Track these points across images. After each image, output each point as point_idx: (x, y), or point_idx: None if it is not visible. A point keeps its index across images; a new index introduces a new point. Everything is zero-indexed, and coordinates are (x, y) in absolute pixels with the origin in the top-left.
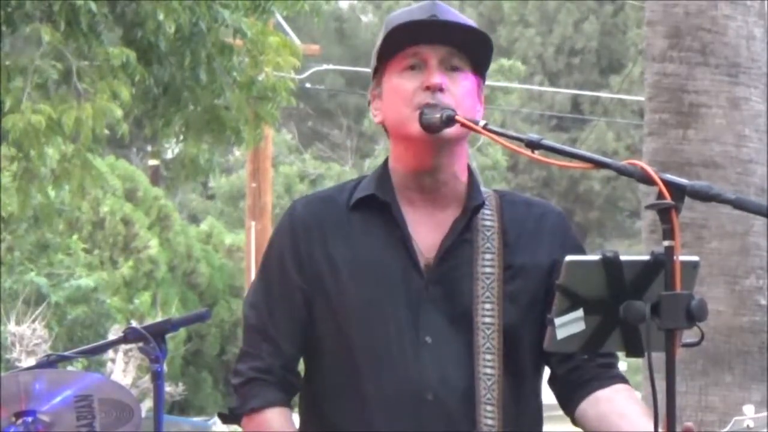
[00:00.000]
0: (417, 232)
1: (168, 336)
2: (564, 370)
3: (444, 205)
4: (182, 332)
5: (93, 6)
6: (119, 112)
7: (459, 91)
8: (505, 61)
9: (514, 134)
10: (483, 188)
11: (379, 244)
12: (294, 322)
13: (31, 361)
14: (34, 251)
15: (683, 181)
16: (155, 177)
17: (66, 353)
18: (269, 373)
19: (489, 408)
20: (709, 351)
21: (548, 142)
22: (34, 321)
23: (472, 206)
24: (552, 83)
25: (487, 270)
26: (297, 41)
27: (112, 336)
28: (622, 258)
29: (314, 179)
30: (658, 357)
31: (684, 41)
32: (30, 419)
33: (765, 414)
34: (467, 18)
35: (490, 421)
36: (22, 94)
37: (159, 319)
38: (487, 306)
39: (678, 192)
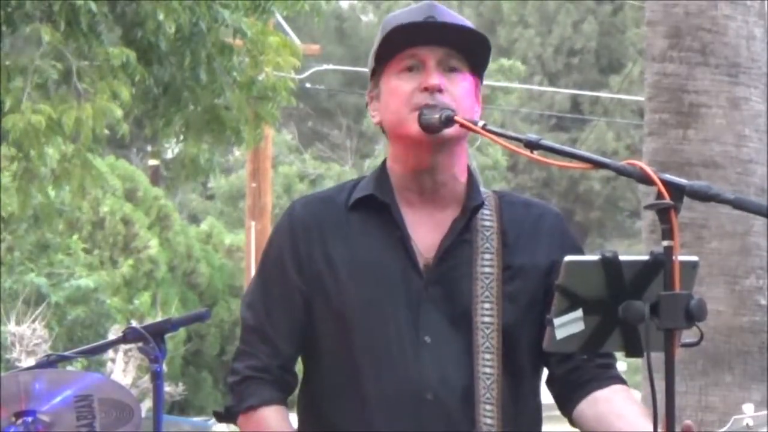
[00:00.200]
0: (416, 232)
1: (168, 336)
2: (562, 371)
3: (443, 205)
4: (182, 332)
5: (93, 6)
6: (119, 112)
7: (457, 92)
8: (505, 61)
9: (513, 134)
10: (482, 189)
11: (378, 244)
12: (292, 322)
13: (31, 361)
14: (34, 251)
15: (682, 181)
16: (155, 177)
17: (66, 353)
18: (266, 372)
19: (488, 407)
20: (709, 351)
21: (547, 142)
22: (34, 321)
23: (471, 206)
24: (551, 83)
25: (487, 270)
26: (297, 41)
27: (112, 336)
28: (622, 258)
29: (314, 179)
30: (658, 357)
31: (684, 41)
32: (30, 419)
33: (764, 413)
34: (465, 19)
35: (489, 421)
36: (22, 94)
37: (159, 319)
38: (487, 306)
39: (677, 192)
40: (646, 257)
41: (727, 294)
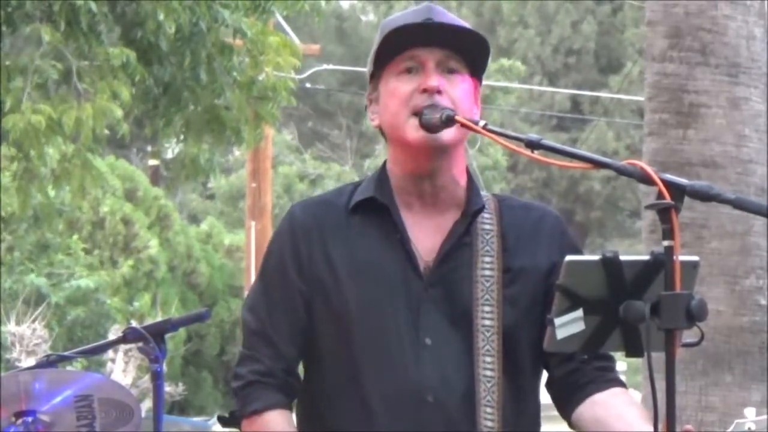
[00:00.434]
0: (416, 235)
1: (168, 336)
2: (561, 373)
3: (443, 208)
4: (182, 332)
5: (93, 6)
6: (119, 112)
7: (456, 94)
8: (504, 61)
9: (514, 134)
10: (482, 192)
11: (378, 246)
12: (294, 325)
13: (31, 361)
14: (34, 251)
15: (683, 181)
16: (155, 177)
17: (66, 353)
18: (270, 376)
19: (489, 410)
20: (709, 351)
21: (548, 142)
22: (34, 321)
23: (472, 210)
24: (551, 83)
25: (487, 273)
26: (297, 41)
27: (112, 336)
28: (622, 258)
29: (314, 179)
30: (658, 357)
31: (684, 41)
32: (30, 419)
33: (766, 417)
34: (463, 20)
35: (490, 423)
36: (22, 94)
37: (159, 319)
38: (487, 308)
39: (678, 192)
40: (646, 257)
41: (727, 294)
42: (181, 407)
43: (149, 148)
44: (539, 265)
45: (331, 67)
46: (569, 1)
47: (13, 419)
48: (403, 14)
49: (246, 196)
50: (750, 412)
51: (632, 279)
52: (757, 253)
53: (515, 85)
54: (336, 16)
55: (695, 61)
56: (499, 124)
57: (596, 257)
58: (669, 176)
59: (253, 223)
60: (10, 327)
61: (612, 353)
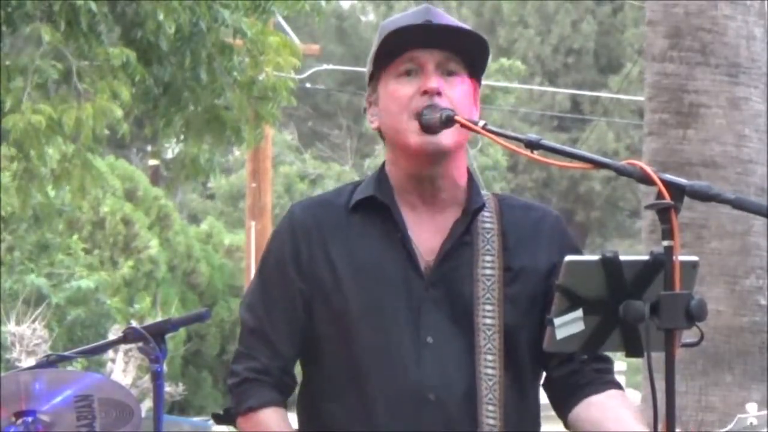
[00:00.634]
0: (416, 234)
1: (168, 336)
2: (559, 375)
3: (443, 208)
4: (182, 332)
5: (93, 6)
6: (119, 112)
7: (456, 95)
8: (504, 61)
9: (514, 134)
10: (482, 191)
11: (378, 245)
12: (292, 324)
13: (31, 361)
14: (34, 251)
15: (682, 181)
16: (155, 177)
17: (66, 353)
18: (265, 373)
19: (491, 408)
20: (709, 351)
21: (547, 142)
22: (34, 321)
23: (472, 209)
24: (551, 83)
25: (488, 272)
26: (297, 41)
27: (112, 336)
28: (622, 258)
29: (314, 179)
30: (658, 357)
31: (684, 41)
32: (30, 419)
33: (767, 412)
34: (463, 20)
35: (491, 422)
36: (22, 94)
37: (159, 319)
38: (488, 307)
39: (677, 192)
40: (646, 257)
41: (727, 294)
42: (181, 407)
43: (149, 148)
44: (539, 264)
45: (331, 67)
46: (569, 0)
47: (13, 419)
48: (402, 16)
49: (246, 196)
50: (752, 407)
51: (632, 279)
52: (757, 253)
53: (515, 85)
54: (336, 16)
55: (695, 61)
56: (498, 125)
57: (596, 257)
58: (669, 176)
59: (253, 223)
60: (10, 327)
61: (611, 354)
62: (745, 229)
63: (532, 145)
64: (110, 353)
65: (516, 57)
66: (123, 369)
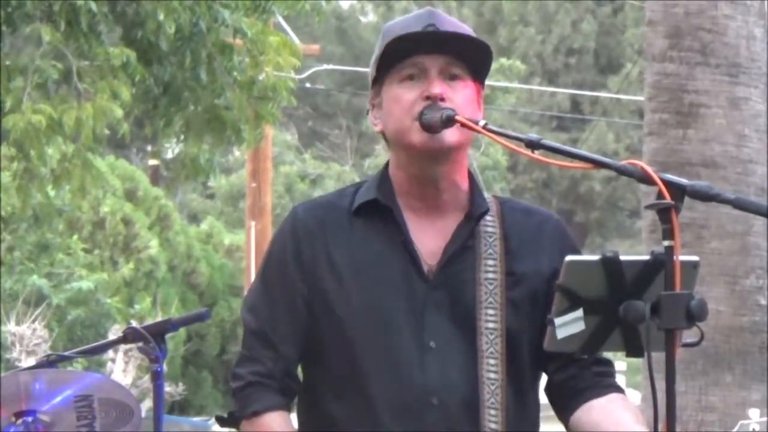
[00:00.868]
0: (419, 237)
1: (168, 336)
2: (560, 378)
3: (445, 211)
4: (182, 332)
5: (93, 6)
6: (120, 112)
7: (459, 100)
8: (505, 61)
9: (514, 134)
10: (484, 194)
11: (381, 248)
12: (295, 326)
13: (31, 361)
14: (34, 251)
15: (683, 181)
16: (155, 177)
17: (66, 353)
18: (269, 377)
19: (493, 412)
20: (709, 351)
21: (548, 141)
22: (34, 321)
23: (476, 213)
24: (551, 83)
25: (490, 276)
26: (297, 41)
27: (112, 336)
28: (622, 258)
29: (314, 179)
30: (658, 357)
31: (684, 41)
32: (30, 419)
33: None
34: (464, 25)
35: (493, 425)
36: (22, 94)
37: (159, 319)
38: (490, 311)
39: (678, 192)
40: (646, 257)
41: (727, 294)
42: (181, 407)
43: (149, 148)
44: (541, 269)
45: (331, 67)
46: (570, 0)
47: (13, 419)
48: (405, 19)
49: (246, 196)
50: (754, 413)
51: (632, 279)
52: (757, 253)
53: (515, 85)
54: (336, 17)
55: (695, 61)
56: (499, 124)
57: (596, 257)
58: (669, 176)
59: (253, 223)
60: (10, 327)
61: (611, 353)
62: (745, 229)
63: (532, 145)
64: (110, 353)
65: (516, 56)
66: (123, 369)
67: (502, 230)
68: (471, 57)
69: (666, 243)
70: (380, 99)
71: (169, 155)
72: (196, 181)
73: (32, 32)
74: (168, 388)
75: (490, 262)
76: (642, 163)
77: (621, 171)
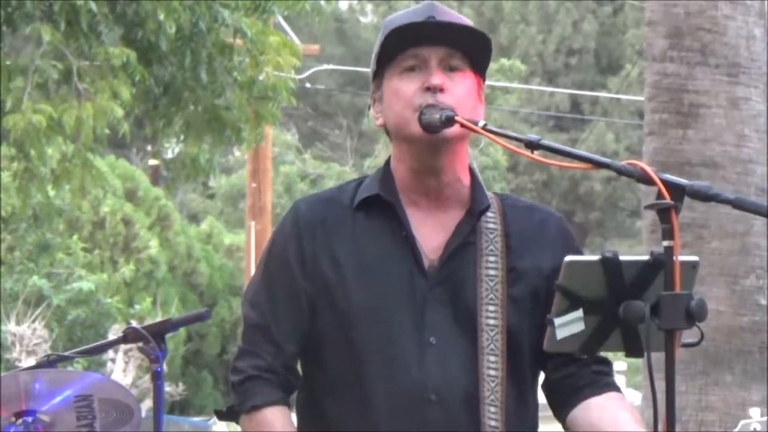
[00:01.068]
0: (420, 233)
1: (168, 336)
2: (558, 376)
3: (447, 206)
4: (182, 332)
5: (93, 6)
6: (120, 112)
7: (459, 91)
8: (505, 61)
9: (514, 134)
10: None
11: (383, 244)
12: (295, 321)
13: (31, 361)
14: (34, 251)
15: (683, 181)
16: (155, 177)
17: (66, 353)
18: (270, 371)
19: (492, 409)
20: (709, 351)
21: (547, 142)
22: (34, 321)
23: (478, 209)
24: (551, 83)
25: (491, 272)
26: (297, 41)
27: (112, 336)
28: (622, 258)
29: (314, 179)
30: (658, 357)
31: (684, 41)
32: (30, 419)
33: None
34: (464, 18)
35: (493, 422)
36: (22, 94)
37: (159, 319)
38: (491, 308)
39: (678, 192)
40: (646, 257)
41: (727, 294)
42: (181, 407)
43: (149, 148)
44: (542, 266)
45: (331, 67)
46: (570, 0)
47: (13, 419)
48: (405, 13)
49: (246, 196)
50: (755, 412)
51: (632, 279)
52: (757, 253)
53: (515, 85)
54: (335, 17)
55: (695, 61)
56: (499, 125)
57: (596, 257)
58: (669, 176)
59: (253, 223)
60: (10, 327)
61: (611, 353)
62: (745, 229)
63: (532, 146)
64: (110, 353)
65: (517, 56)
66: (123, 369)
67: (504, 227)
68: (471, 48)
69: (666, 243)
70: (381, 92)
71: (169, 155)
72: (196, 181)
73: (32, 32)
74: (168, 388)
75: (492, 258)
76: (642, 164)
77: (621, 171)
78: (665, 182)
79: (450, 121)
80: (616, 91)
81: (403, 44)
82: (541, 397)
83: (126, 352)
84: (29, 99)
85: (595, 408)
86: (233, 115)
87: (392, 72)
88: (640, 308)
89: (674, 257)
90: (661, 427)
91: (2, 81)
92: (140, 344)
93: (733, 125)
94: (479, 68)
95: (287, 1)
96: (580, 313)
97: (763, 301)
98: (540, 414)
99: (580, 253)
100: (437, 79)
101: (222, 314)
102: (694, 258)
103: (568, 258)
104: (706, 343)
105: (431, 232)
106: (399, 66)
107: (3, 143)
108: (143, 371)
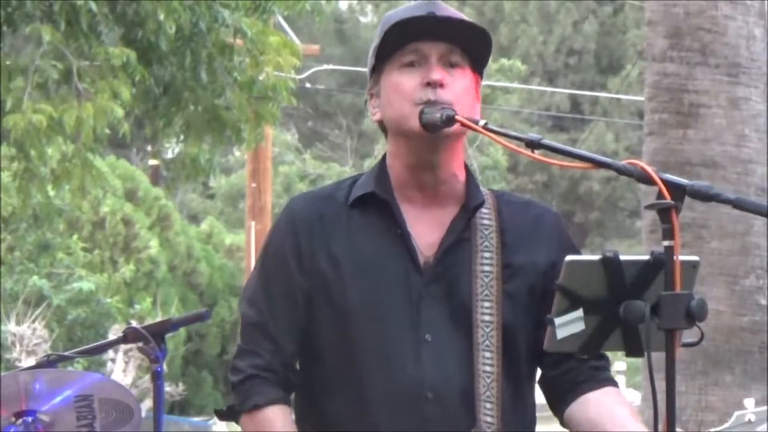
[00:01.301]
0: (416, 230)
1: (168, 336)
2: (555, 372)
3: (442, 203)
4: (182, 332)
5: (93, 6)
6: (120, 112)
7: (458, 88)
8: (505, 61)
9: (514, 134)
10: (480, 188)
11: (378, 241)
12: (293, 319)
13: (31, 361)
14: (34, 251)
15: (683, 180)
16: (155, 177)
17: (66, 353)
18: (269, 370)
19: (488, 406)
20: (709, 351)
21: (548, 141)
22: (34, 321)
23: (472, 205)
24: (551, 83)
25: (486, 269)
26: (297, 41)
27: (112, 336)
28: (622, 258)
29: (314, 179)
30: (658, 357)
31: (684, 41)
32: (30, 419)
33: (765, 408)
34: (464, 16)
35: (489, 419)
36: (22, 94)
37: (159, 319)
38: (486, 304)
39: (678, 192)
40: (646, 257)
41: (727, 294)
42: (181, 407)
43: (149, 148)
44: (538, 262)
45: (331, 67)
46: (571, 0)
47: (13, 419)
48: (405, 9)
49: (246, 196)
50: (749, 403)
51: (632, 279)
52: (757, 253)
53: (515, 85)
54: (335, 18)
55: (695, 61)
56: (499, 124)
57: (596, 257)
58: (669, 176)
59: (253, 223)
60: (10, 327)
61: (611, 355)
62: (745, 229)
63: (532, 145)
64: (110, 353)
65: (517, 56)
66: (123, 369)
67: (499, 223)
68: (470, 45)
69: (666, 243)
70: (379, 87)
71: (169, 155)
72: (196, 181)
73: (32, 32)
74: (168, 388)
75: (487, 254)
76: (642, 163)
77: (621, 171)
78: (665, 182)
79: (450, 121)
80: (616, 92)
81: (403, 39)
82: (541, 398)
83: (126, 352)
84: (29, 99)
85: (592, 403)
86: (233, 115)
87: (391, 67)
88: (641, 308)
89: (674, 257)
90: (661, 427)
91: (2, 81)
92: (140, 344)
93: (733, 125)
94: (478, 66)
95: (287, 1)
96: (580, 312)
97: (763, 301)
98: (539, 414)
99: (574, 248)
100: (437, 74)
101: (222, 314)
102: (695, 258)
103: (569, 258)
104: (706, 343)
105: (426, 229)
106: (398, 61)
107: (3, 143)
108: (143, 371)
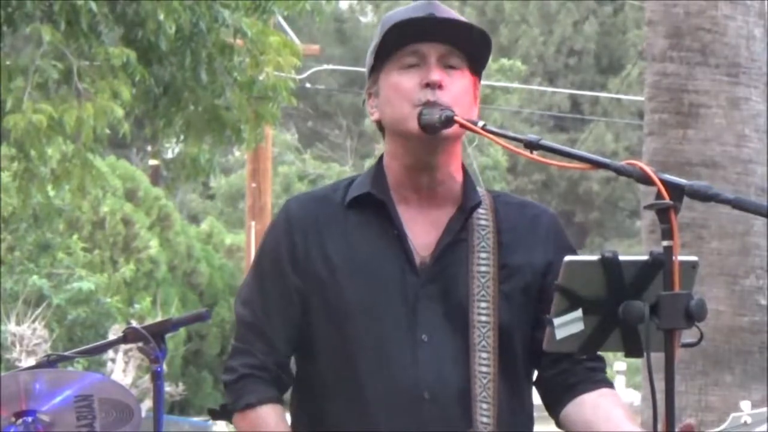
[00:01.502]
0: (412, 230)
1: (168, 336)
2: (551, 373)
3: (439, 203)
4: (182, 332)
5: (93, 6)
6: (121, 112)
7: (457, 90)
8: (505, 62)
9: (513, 134)
10: (477, 188)
11: (374, 242)
12: (288, 320)
13: (31, 361)
14: (34, 251)
15: (682, 181)
16: (155, 177)
17: (66, 353)
18: (263, 370)
19: (485, 406)
20: (709, 351)
21: (547, 142)
22: (34, 321)
23: (469, 206)
24: (551, 83)
25: (483, 269)
26: (297, 41)
27: (112, 336)
28: (621, 258)
29: (314, 179)
30: (658, 357)
31: (684, 41)
32: (30, 419)
33: (763, 410)
34: (464, 18)
35: (485, 419)
36: (23, 94)
37: (159, 319)
38: (483, 305)
39: (677, 192)
40: (646, 257)
41: (727, 294)
42: (181, 407)
43: (149, 148)
44: (535, 262)
45: (331, 67)
46: (571, 0)
47: (13, 419)
48: (404, 9)
49: (246, 196)
50: (746, 405)
51: (631, 279)
52: (757, 253)
53: (515, 85)
54: (335, 18)
55: (695, 61)
56: (499, 124)
57: (595, 257)
58: (668, 176)
59: (253, 223)
60: (10, 327)
61: (611, 355)
62: (745, 229)
63: (531, 146)
64: (110, 353)
65: (517, 56)
66: (123, 369)
67: (495, 223)
68: (470, 46)
69: (665, 243)
70: (377, 87)
71: (169, 155)
72: (196, 181)
73: (32, 32)
74: (168, 388)
75: (483, 255)
76: (641, 163)
77: (620, 171)
78: (664, 182)
79: (449, 122)
80: (616, 92)
81: (403, 40)
82: (538, 398)
83: (126, 352)
84: (29, 99)
85: (588, 404)
86: (233, 115)
87: (391, 67)
88: (640, 308)
89: (674, 257)
90: (661, 427)
91: (2, 81)
92: (140, 344)
93: (733, 125)
94: (477, 68)
95: (287, 1)
96: (579, 313)
97: (763, 301)
98: (537, 414)
99: (571, 249)
100: (436, 75)
101: (222, 314)
102: (694, 258)
103: (568, 258)
104: (706, 343)
105: (423, 230)
106: (398, 62)
107: (3, 143)
108: (143, 371)
